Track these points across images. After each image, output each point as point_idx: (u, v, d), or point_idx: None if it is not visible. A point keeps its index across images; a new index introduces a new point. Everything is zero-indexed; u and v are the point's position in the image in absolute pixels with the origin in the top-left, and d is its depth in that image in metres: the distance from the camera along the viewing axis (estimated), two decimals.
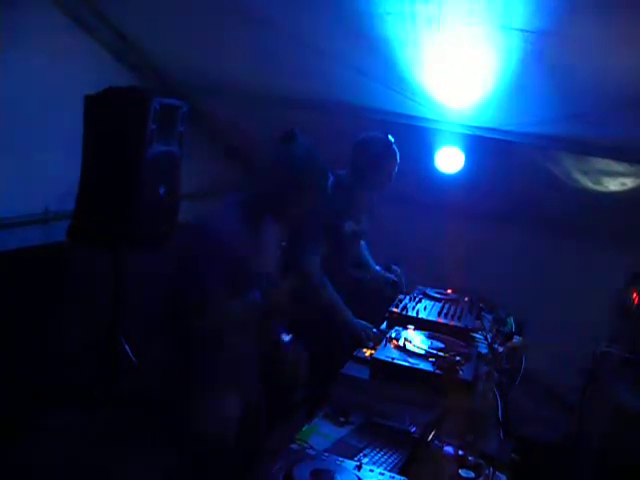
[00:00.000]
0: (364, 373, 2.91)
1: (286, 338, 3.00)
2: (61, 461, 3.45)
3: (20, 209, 3.99)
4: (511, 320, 3.84)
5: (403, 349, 3.00)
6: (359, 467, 2.11)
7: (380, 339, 3.31)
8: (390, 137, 3.88)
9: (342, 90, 4.57)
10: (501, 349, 3.35)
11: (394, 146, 3.89)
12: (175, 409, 2.79)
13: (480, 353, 3.28)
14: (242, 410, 2.86)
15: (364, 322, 3.70)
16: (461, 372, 2.81)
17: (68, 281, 4.28)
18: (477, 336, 3.55)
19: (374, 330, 3.62)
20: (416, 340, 3.12)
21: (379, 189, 3.98)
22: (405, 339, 3.10)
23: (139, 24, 4.42)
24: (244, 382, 2.89)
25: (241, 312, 2.68)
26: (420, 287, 4.30)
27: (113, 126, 3.67)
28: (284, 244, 3.10)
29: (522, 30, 3.24)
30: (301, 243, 3.68)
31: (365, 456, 2.30)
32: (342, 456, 2.20)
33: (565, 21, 3.12)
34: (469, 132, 4.58)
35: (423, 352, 2.97)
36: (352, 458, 2.21)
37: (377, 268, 4.42)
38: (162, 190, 3.89)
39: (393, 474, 2.10)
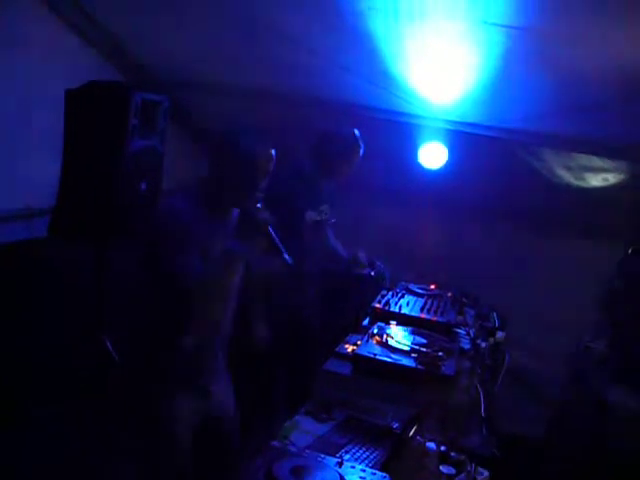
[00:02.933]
0: (346, 369, 2.90)
1: None
2: (44, 456, 3.44)
3: (2, 205, 3.95)
4: (494, 315, 3.84)
5: (385, 345, 3.00)
6: (340, 464, 2.10)
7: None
8: (356, 131, 4.05)
9: (325, 86, 4.55)
10: (484, 344, 3.36)
11: (360, 140, 4.06)
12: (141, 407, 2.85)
13: (462, 349, 3.28)
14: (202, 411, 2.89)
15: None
16: (443, 368, 2.80)
17: (50, 277, 4.25)
18: (460, 331, 3.56)
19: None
20: (398, 336, 3.12)
21: (341, 179, 4.13)
22: (387, 335, 3.10)
23: (122, 19, 4.38)
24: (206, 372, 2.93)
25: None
26: (403, 282, 4.30)
27: (94, 121, 3.62)
28: None
29: (504, 26, 3.25)
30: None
31: (347, 452, 2.29)
32: (324, 453, 2.19)
33: (547, 17, 3.13)
34: (452, 127, 4.58)
35: (405, 348, 2.97)
36: (334, 455, 2.20)
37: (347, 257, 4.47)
38: (143, 185, 3.85)
39: (374, 470, 2.10)
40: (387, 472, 2.09)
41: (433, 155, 4.87)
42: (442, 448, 2.28)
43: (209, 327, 2.85)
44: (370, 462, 2.24)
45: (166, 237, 2.74)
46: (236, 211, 2.93)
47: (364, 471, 2.08)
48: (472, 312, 3.98)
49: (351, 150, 4.05)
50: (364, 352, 2.89)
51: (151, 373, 2.82)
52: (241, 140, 2.78)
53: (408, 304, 3.81)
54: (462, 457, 2.26)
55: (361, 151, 4.08)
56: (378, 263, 4.49)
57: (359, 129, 4.11)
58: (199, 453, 2.87)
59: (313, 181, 4.01)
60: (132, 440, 3.01)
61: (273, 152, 2.80)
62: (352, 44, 3.86)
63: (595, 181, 4.77)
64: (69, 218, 3.72)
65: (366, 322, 3.66)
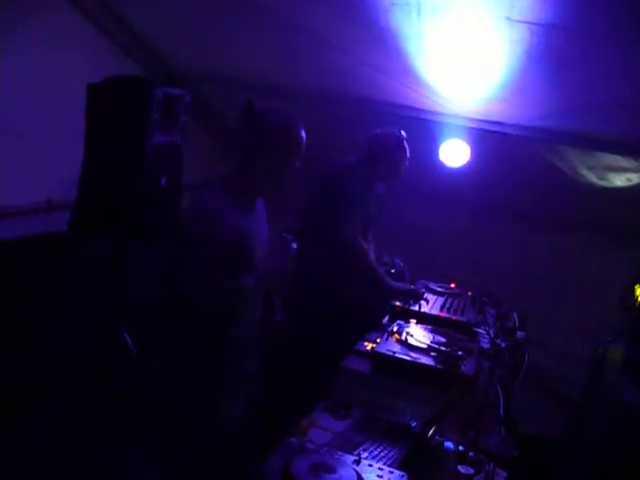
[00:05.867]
0: (365, 367, 2.88)
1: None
2: (58, 455, 3.45)
3: (24, 198, 3.98)
4: (514, 315, 3.82)
5: (405, 343, 2.97)
6: (358, 462, 2.08)
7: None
8: (402, 133, 4.02)
9: (347, 82, 4.54)
10: (504, 344, 3.33)
11: (405, 142, 4.02)
12: (175, 405, 2.76)
13: (482, 348, 3.26)
14: (244, 408, 2.85)
15: (403, 284, 4.03)
16: (463, 367, 2.78)
17: (70, 270, 4.27)
18: (480, 331, 3.53)
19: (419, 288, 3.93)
20: (418, 334, 3.10)
21: (388, 181, 4.12)
22: (407, 333, 3.08)
23: (144, 14, 4.40)
24: (247, 377, 2.87)
25: (238, 296, 2.66)
26: (423, 281, 4.28)
27: (115, 115, 3.64)
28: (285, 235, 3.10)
29: (528, 22, 3.22)
30: (337, 210, 3.84)
31: (364, 450, 2.27)
32: (341, 450, 2.18)
33: (571, 14, 3.10)
34: (474, 125, 4.56)
35: (425, 346, 2.95)
36: (351, 452, 2.19)
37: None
38: (164, 181, 3.86)
39: (392, 469, 2.08)
40: (405, 471, 2.07)
41: (456, 153, 4.85)
42: (460, 448, 2.26)
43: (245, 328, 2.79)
44: (388, 461, 2.23)
45: (197, 255, 2.53)
46: (261, 203, 2.86)
47: (382, 469, 2.06)
48: (492, 311, 3.95)
49: (397, 152, 4.03)
50: (383, 350, 2.87)
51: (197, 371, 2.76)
52: (274, 118, 2.65)
53: (428, 302, 3.79)
54: (480, 457, 2.25)
55: (405, 154, 4.05)
56: (398, 261, 4.47)
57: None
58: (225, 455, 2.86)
59: (366, 184, 4.01)
60: (148, 438, 3.00)
61: (304, 132, 2.68)
62: (375, 41, 3.85)
63: (619, 181, 4.73)
64: (89, 213, 3.74)
65: (386, 320, 3.65)
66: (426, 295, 3.90)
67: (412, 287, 3.99)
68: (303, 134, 2.68)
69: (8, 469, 3.36)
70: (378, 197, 4.19)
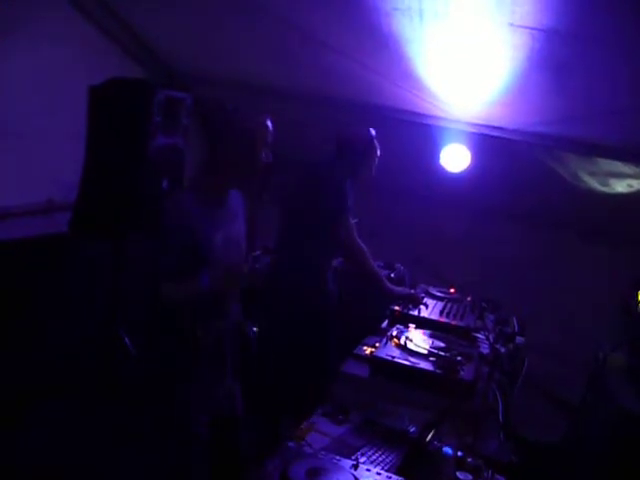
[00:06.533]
0: (364, 371, 2.88)
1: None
2: (58, 455, 3.46)
3: (24, 199, 3.98)
4: (514, 320, 3.81)
5: (404, 348, 2.98)
6: (356, 466, 2.09)
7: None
8: (372, 130, 4.01)
9: (348, 85, 4.54)
10: (503, 350, 3.33)
11: (375, 140, 4.02)
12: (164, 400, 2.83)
13: (482, 353, 3.26)
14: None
15: (403, 288, 4.03)
16: (462, 372, 2.78)
17: (70, 271, 4.27)
18: (479, 336, 3.53)
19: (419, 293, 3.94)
20: (417, 339, 3.10)
21: (361, 180, 4.07)
22: (406, 338, 3.08)
23: (146, 16, 4.40)
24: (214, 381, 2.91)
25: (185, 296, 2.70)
26: (422, 285, 4.28)
27: (117, 117, 3.65)
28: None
29: (530, 28, 3.22)
30: (331, 212, 3.85)
31: (363, 455, 2.27)
32: (339, 455, 2.18)
33: (573, 20, 3.10)
34: (475, 130, 4.56)
35: (424, 351, 2.95)
36: (349, 457, 2.19)
37: None
38: (165, 183, 3.87)
39: (390, 474, 2.08)
40: (403, 476, 2.08)
41: (456, 158, 4.85)
42: (459, 453, 2.26)
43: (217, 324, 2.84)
44: (386, 465, 2.22)
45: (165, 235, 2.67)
46: (236, 196, 2.90)
47: (380, 474, 2.06)
48: (492, 317, 3.95)
49: (368, 150, 4.03)
50: (382, 354, 2.87)
51: (172, 371, 2.80)
52: (235, 115, 2.70)
53: (427, 307, 3.79)
54: (479, 463, 2.24)
55: (378, 151, 4.06)
56: (398, 265, 4.47)
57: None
58: (215, 451, 2.87)
59: (342, 182, 4.02)
60: (148, 436, 3.02)
61: (269, 123, 2.74)
62: (377, 45, 3.85)
63: (620, 187, 4.72)
64: (89, 215, 3.74)
65: (385, 324, 3.65)
66: (425, 300, 3.90)
67: (412, 291, 3.99)
68: (265, 125, 2.73)
69: (8, 469, 3.36)
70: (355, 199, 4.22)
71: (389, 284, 4.00)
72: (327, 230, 3.84)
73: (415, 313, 3.64)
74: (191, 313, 2.72)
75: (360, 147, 3.99)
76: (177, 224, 2.60)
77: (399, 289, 4.02)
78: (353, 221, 4.00)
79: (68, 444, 3.53)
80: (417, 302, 3.81)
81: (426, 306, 3.80)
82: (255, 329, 3.14)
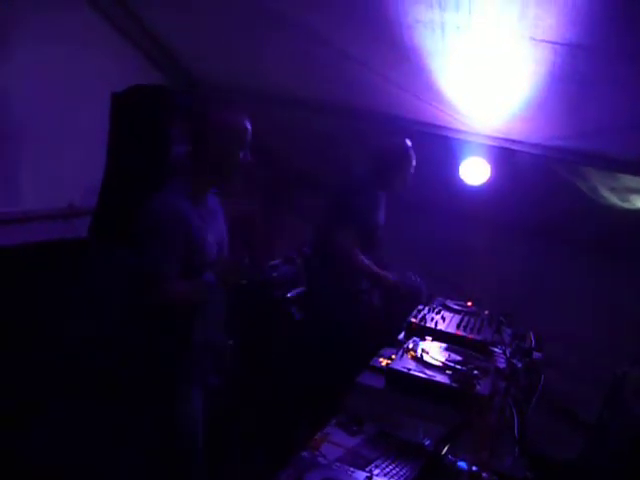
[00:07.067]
0: (379, 383, 2.88)
1: None
2: (59, 453, 3.48)
3: (45, 203, 4.01)
4: (531, 335, 3.79)
5: (420, 360, 2.96)
6: (370, 478, 2.08)
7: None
8: (408, 141, 4.06)
9: (369, 97, 4.55)
10: (520, 365, 3.31)
11: (411, 150, 4.09)
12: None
13: (498, 368, 3.24)
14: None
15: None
16: (478, 387, 2.76)
17: (89, 276, 4.29)
18: (496, 350, 3.51)
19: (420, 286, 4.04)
20: (434, 352, 3.09)
21: (395, 191, 4.15)
22: (422, 350, 3.07)
23: (170, 23, 4.42)
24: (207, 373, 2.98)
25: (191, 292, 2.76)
26: (440, 298, 4.27)
27: (138, 124, 3.68)
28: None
29: (552, 42, 3.21)
30: (337, 219, 3.97)
31: (376, 467, 2.27)
32: (353, 466, 2.17)
33: (594, 34, 3.09)
34: (496, 144, 4.55)
35: (440, 364, 2.94)
36: (363, 468, 2.19)
37: None
38: None
39: None
40: None
41: (476, 171, 4.84)
42: (474, 468, 2.24)
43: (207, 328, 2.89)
44: (400, 478, 2.22)
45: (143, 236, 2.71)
46: (214, 199, 2.95)
47: None
48: (509, 331, 3.93)
49: (403, 160, 4.06)
50: (398, 367, 2.86)
51: (165, 373, 2.83)
52: (213, 115, 2.76)
53: (444, 320, 3.78)
54: (494, 478, 2.23)
55: (413, 161, 4.09)
56: (415, 277, 4.46)
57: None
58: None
59: (373, 194, 4.05)
60: (144, 437, 3.04)
61: (248, 124, 2.79)
62: (399, 58, 3.86)
63: None
64: (109, 220, 3.76)
65: (401, 336, 3.64)
66: (443, 313, 3.88)
67: (413, 279, 4.05)
68: (243, 125, 2.78)
69: (8, 469, 3.38)
70: (384, 209, 4.24)
71: (388, 275, 4.13)
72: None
73: (432, 325, 3.63)
74: (190, 313, 2.78)
75: (396, 158, 4.02)
76: (175, 225, 2.64)
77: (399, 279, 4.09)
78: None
79: (68, 444, 3.54)
80: (418, 297, 3.84)
81: (443, 319, 3.79)
82: (231, 342, 3.16)
